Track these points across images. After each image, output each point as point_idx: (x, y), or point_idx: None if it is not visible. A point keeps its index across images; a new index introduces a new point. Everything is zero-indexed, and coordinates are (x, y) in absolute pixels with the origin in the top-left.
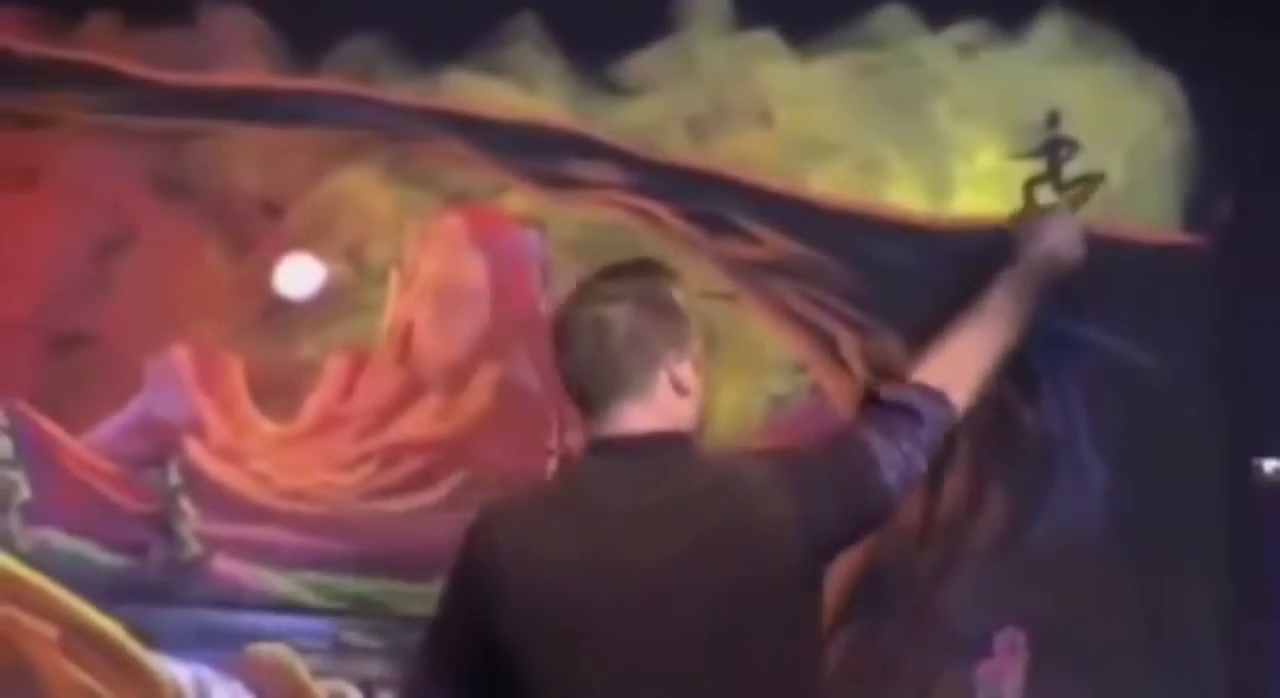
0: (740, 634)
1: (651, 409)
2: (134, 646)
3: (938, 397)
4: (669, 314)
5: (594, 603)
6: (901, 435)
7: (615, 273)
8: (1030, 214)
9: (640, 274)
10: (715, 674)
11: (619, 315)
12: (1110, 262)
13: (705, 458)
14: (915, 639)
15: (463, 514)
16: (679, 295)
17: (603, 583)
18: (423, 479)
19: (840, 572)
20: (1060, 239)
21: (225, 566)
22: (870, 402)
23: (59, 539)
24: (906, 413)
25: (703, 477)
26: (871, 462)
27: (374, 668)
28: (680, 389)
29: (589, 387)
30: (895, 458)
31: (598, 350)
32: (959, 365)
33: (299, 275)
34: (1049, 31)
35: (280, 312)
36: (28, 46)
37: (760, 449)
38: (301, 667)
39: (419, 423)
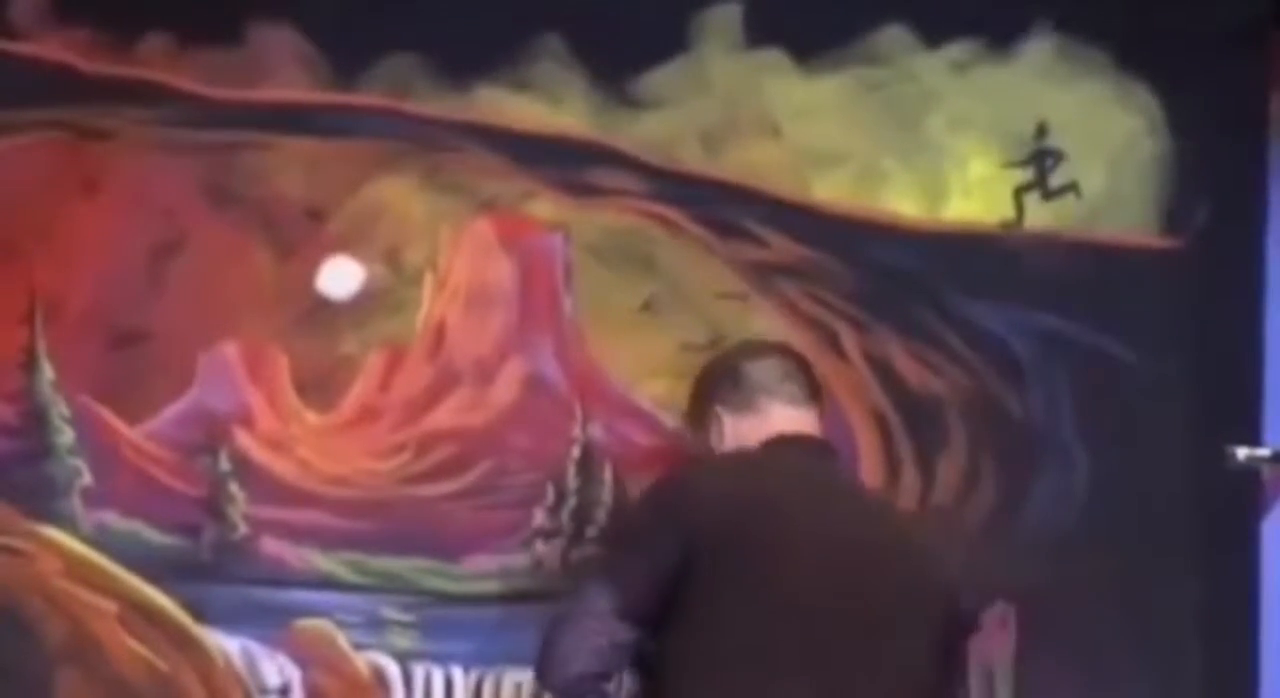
0: (898, 644)
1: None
2: (186, 620)
3: None
4: None
5: (777, 535)
6: None
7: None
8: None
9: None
10: (866, 666)
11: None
12: (1093, 264)
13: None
14: None
15: (491, 499)
16: None
17: (784, 528)
18: (454, 466)
19: None
20: None
21: (271, 546)
22: None
23: (117, 521)
24: None
25: (879, 501)
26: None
27: (408, 641)
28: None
29: (795, 379)
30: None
31: (801, 371)
32: None
33: (340, 277)
34: (1037, 50)
35: (322, 310)
36: (89, 65)
37: None
38: (342, 640)
39: (450, 414)
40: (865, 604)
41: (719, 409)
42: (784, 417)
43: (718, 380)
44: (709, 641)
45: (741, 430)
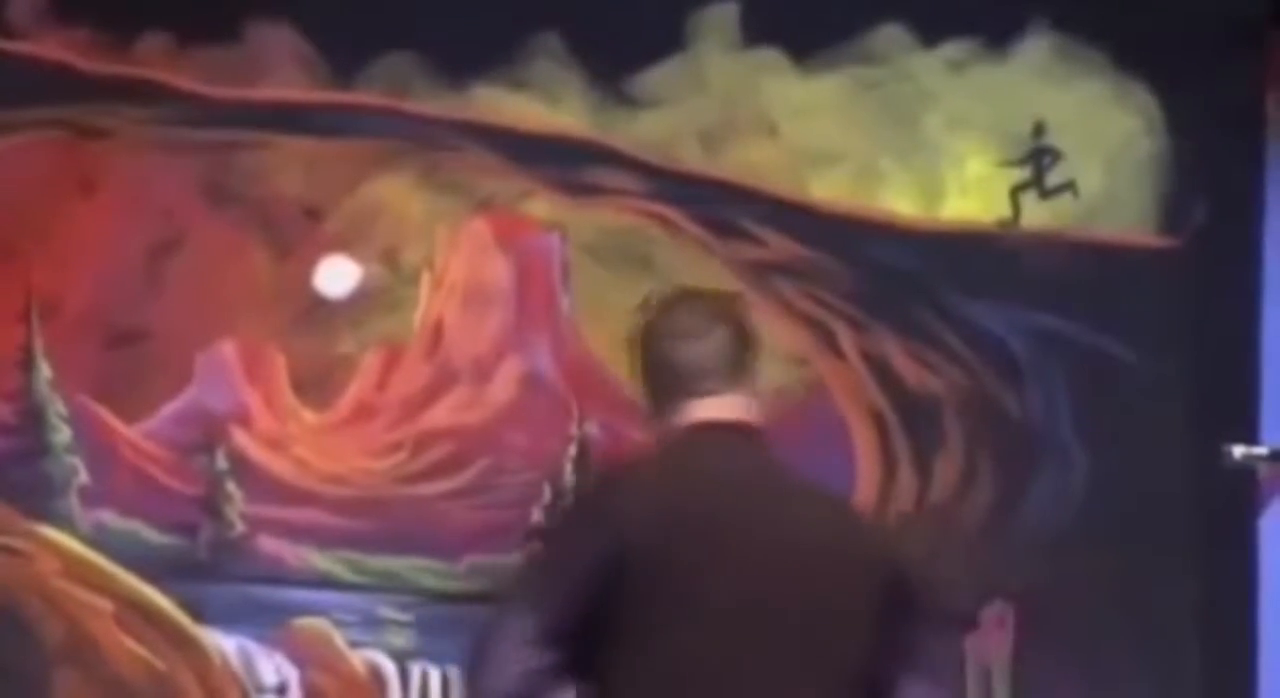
0: (828, 638)
1: (749, 403)
2: (184, 619)
3: None
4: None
5: (707, 543)
6: None
7: (706, 289)
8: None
9: (729, 295)
10: (804, 670)
11: (731, 317)
12: (1091, 263)
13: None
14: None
15: (488, 497)
16: None
17: (714, 533)
18: (451, 465)
19: None
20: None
21: (268, 545)
22: None
23: (114, 520)
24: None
25: (802, 482)
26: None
27: (406, 640)
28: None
29: (708, 372)
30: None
31: (719, 344)
32: None
33: (337, 276)
34: (1034, 49)
35: (320, 309)
36: (87, 64)
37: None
38: (339, 639)
39: (448, 413)
40: (798, 607)
41: (646, 390)
42: (709, 406)
43: (646, 364)
44: (642, 661)
45: (668, 415)
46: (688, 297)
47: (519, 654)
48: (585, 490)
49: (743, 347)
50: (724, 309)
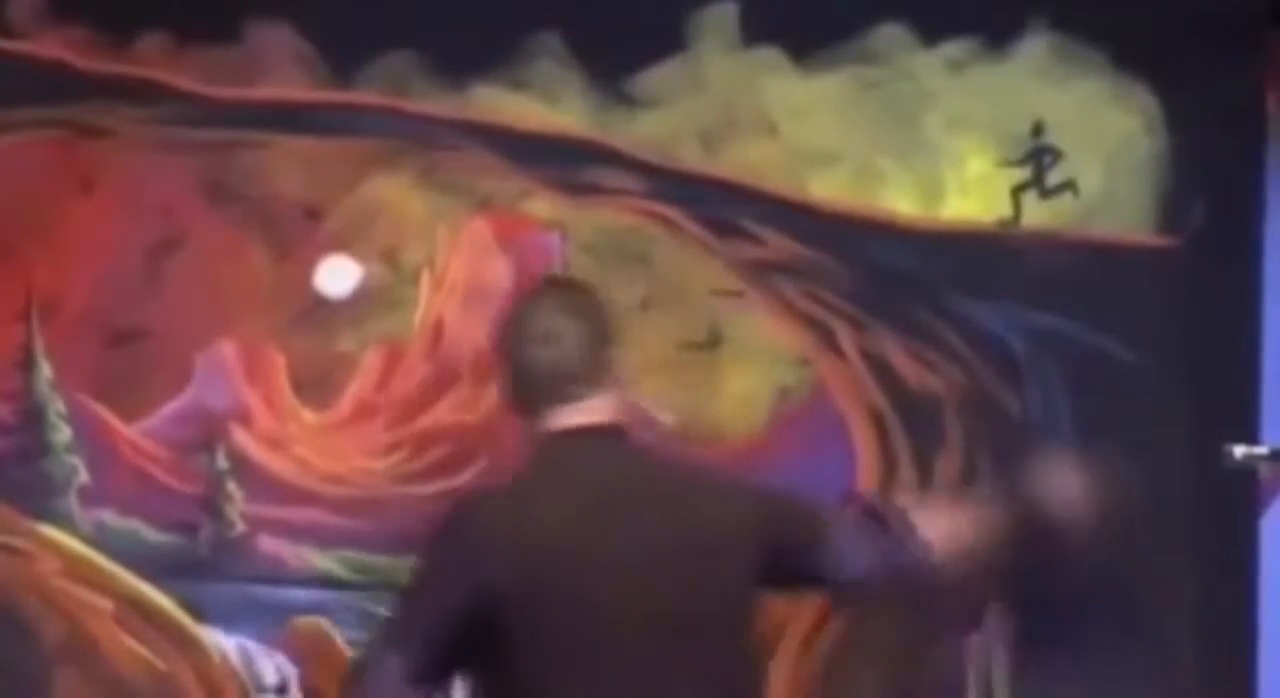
0: (699, 622)
1: (611, 402)
2: (184, 618)
3: (910, 528)
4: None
5: (580, 574)
6: (865, 534)
7: (565, 282)
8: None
9: (585, 287)
10: (678, 658)
11: (589, 314)
12: (1090, 262)
13: (659, 455)
14: (909, 612)
15: None
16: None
17: (587, 558)
18: (451, 464)
19: None
20: (1063, 499)
21: (268, 544)
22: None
23: (114, 519)
24: (878, 520)
25: (666, 476)
26: (824, 529)
27: None
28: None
29: (571, 376)
30: (852, 544)
31: (579, 345)
32: (937, 527)
33: (337, 275)
34: (1034, 49)
35: (320, 309)
36: (86, 63)
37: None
38: (339, 639)
39: (448, 412)
40: (672, 610)
41: (510, 397)
42: (571, 412)
43: (506, 371)
44: (531, 688)
45: (533, 422)
46: (543, 294)
47: (395, 694)
48: (444, 522)
49: (601, 344)
50: (580, 306)
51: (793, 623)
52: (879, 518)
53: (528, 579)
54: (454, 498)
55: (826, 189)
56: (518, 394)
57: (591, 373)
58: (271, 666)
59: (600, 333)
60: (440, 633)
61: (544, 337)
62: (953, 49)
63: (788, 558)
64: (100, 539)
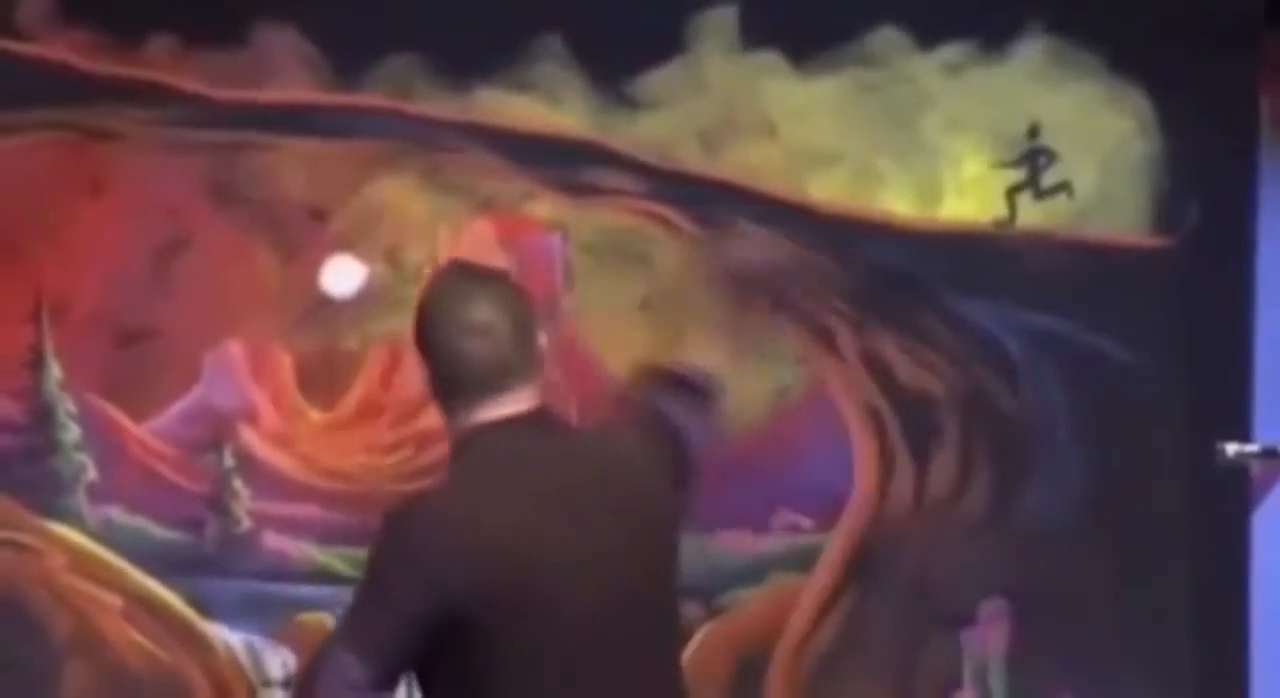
0: (648, 593)
1: (538, 388)
2: (191, 614)
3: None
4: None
5: (535, 571)
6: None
7: (481, 270)
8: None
9: (505, 275)
10: (635, 633)
11: (516, 304)
12: (1085, 263)
13: (582, 429)
14: (907, 608)
15: None
16: None
17: (541, 553)
18: None
19: (838, 546)
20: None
21: (274, 540)
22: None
23: (122, 517)
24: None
25: (597, 450)
26: (681, 432)
27: None
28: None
29: (505, 367)
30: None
31: (511, 335)
32: None
33: (342, 275)
34: (1030, 52)
35: (325, 308)
36: (95, 66)
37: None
38: None
39: None
40: (624, 594)
41: (435, 386)
42: (506, 402)
43: (433, 358)
44: (490, 686)
45: (457, 407)
46: (468, 284)
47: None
48: (393, 525)
49: (531, 334)
50: (508, 296)
51: (787, 626)
52: (687, 383)
53: (485, 582)
54: (400, 500)
55: (825, 190)
56: (449, 386)
57: (523, 364)
58: (277, 660)
59: (529, 323)
60: (399, 640)
61: (478, 328)
62: (950, 52)
63: (679, 478)
64: (108, 536)
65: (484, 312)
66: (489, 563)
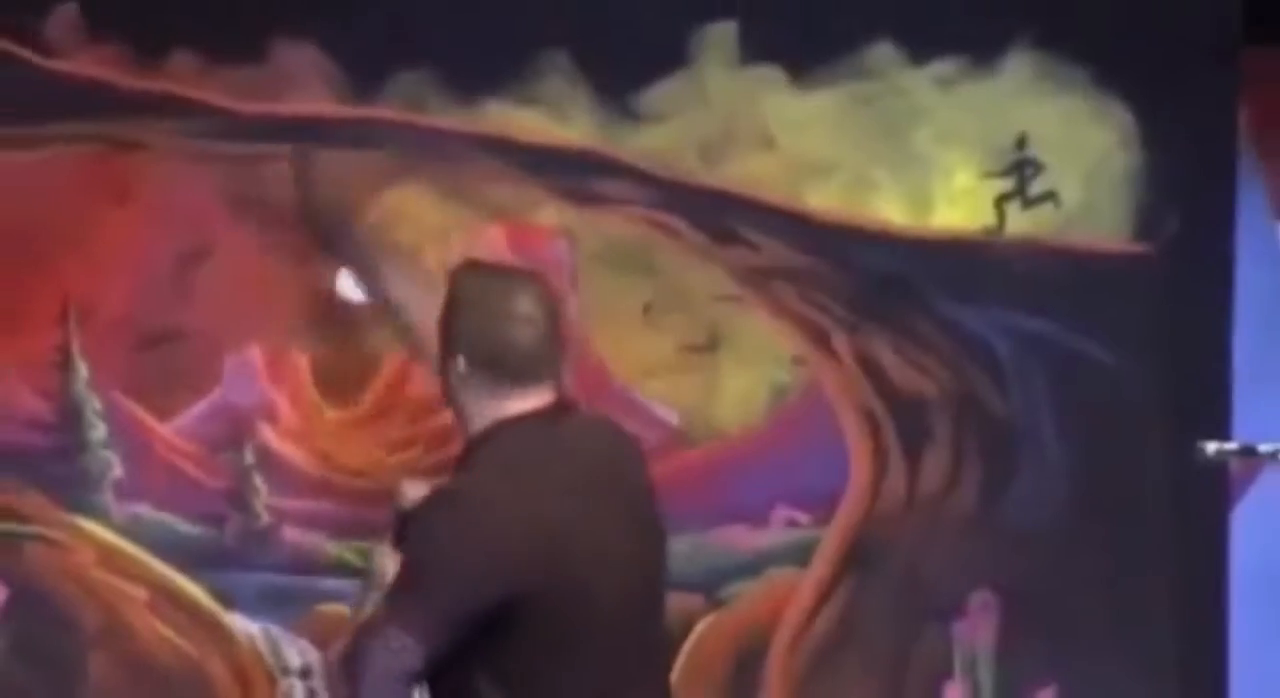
0: (652, 571)
1: (559, 381)
2: (213, 605)
3: None
4: None
5: (573, 554)
6: None
7: (513, 268)
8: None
9: (529, 272)
10: (644, 611)
11: (550, 300)
12: (1070, 269)
13: (589, 418)
14: (900, 600)
15: None
16: None
17: (577, 537)
18: None
19: (833, 541)
20: None
21: (292, 534)
22: None
23: (147, 512)
24: None
25: (606, 440)
26: None
27: None
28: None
29: (542, 357)
30: None
31: (547, 328)
32: None
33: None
34: (1018, 67)
35: (341, 313)
36: (121, 80)
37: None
38: None
39: None
40: (642, 583)
41: (466, 369)
42: (540, 393)
43: (472, 340)
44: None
45: (482, 398)
46: (505, 276)
47: (399, 684)
48: (454, 513)
49: (560, 329)
50: (542, 291)
51: (785, 617)
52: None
53: (536, 566)
54: (445, 491)
55: (821, 199)
56: (486, 373)
57: (554, 357)
58: (296, 650)
59: (560, 319)
60: (456, 623)
61: (523, 317)
62: (941, 67)
63: None
64: (134, 531)
65: (526, 304)
66: (540, 548)
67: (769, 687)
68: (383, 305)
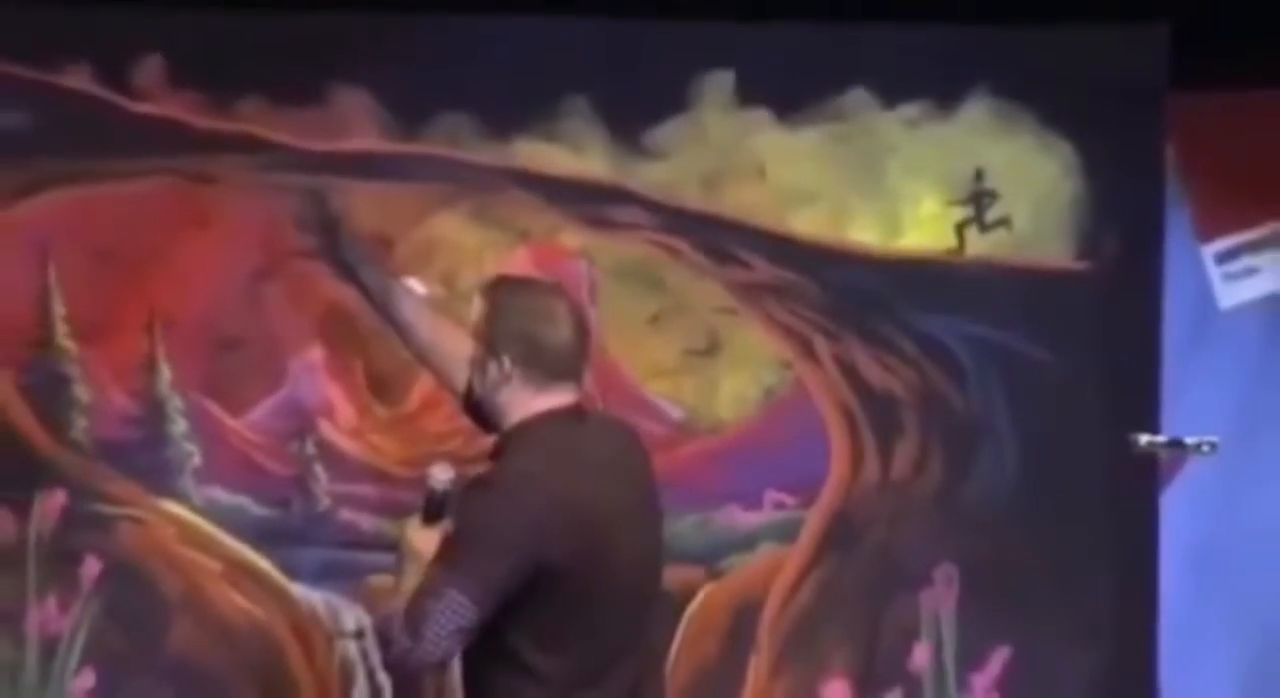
0: (656, 550)
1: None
2: (280, 577)
3: None
4: None
5: (602, 532)
6: None
7: (548, 283)
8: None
9: (560, 287)
10: (651, 586)
11: (580, 311)
12: (1022, 285)
13: (603, 417)
14: (874, 572)
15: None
16: None
17: (604, 517)
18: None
19: (817, 520)
20: None
21: (348, 515)
22: None
23: (222, 495)
24: None
25: (620, 436)
26: None
27: None
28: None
29: (574, 359)
30: None
31: (581, 333)
32: None
33: None
34: (975, 110)
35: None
36: (199, 121)
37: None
38: None
39: None
40: (654, 570)
41: (510, 367)
42: (561, 391)
43: (514, 340)
44: (552, 657)
45: (520, 394)
46: (543, 288)
47: (457, 637)
48: (505, 492)
49: (589, 337)
50: (573, 303)
51: (774, 587)
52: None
53: (573, 545)
54: (495, 473)
55: (805, 224)
56: (523, 369)
57: (583, 361)
58: (351, 616)
59: (588, 328)
60: (504, 588)
61: (560, 320)
62: (909, 110)
63: None
64: (211, 512)
65: (562, 310)
66: (572, 524)
67: (760, 646)
68: (395, 327)
